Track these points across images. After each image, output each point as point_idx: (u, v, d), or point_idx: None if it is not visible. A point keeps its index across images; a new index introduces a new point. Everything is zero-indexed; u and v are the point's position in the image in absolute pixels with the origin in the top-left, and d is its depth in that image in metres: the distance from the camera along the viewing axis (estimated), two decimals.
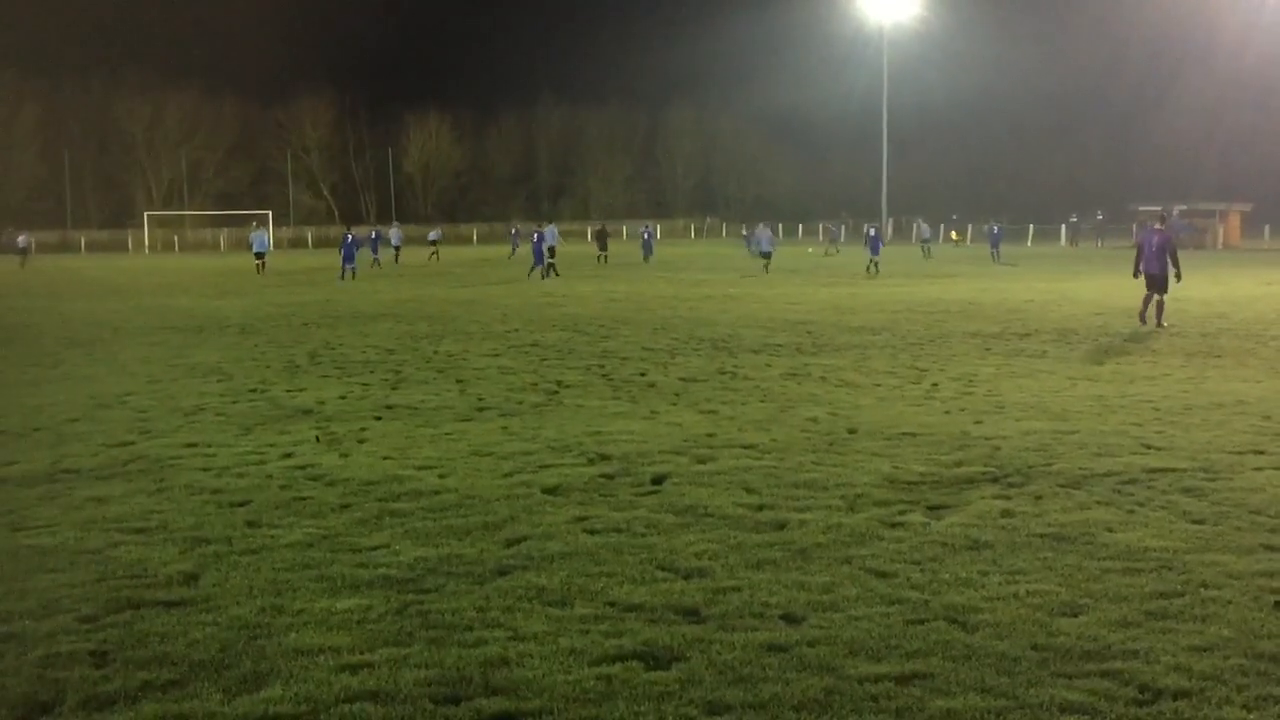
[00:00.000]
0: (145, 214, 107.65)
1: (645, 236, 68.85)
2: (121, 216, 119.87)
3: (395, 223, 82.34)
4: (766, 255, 51.55)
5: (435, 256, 72.74)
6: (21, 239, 75.51)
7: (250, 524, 8.86)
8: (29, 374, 18.21)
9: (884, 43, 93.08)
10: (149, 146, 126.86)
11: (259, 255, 55.36)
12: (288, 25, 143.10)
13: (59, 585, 7.40)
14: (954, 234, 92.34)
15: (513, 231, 79.01)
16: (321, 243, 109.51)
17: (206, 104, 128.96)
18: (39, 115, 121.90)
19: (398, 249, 66.85)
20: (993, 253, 59.01)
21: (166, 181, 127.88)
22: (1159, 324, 23.50)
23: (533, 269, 47.79)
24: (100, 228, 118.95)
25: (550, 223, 57.56)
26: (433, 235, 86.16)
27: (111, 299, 37.05)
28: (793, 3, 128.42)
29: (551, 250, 48.11)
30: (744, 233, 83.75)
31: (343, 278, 47.00)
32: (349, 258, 48.55)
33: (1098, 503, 9.25)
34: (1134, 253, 25.55)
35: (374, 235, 64.31)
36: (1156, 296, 23.81)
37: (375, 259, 60.37)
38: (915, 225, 77.29)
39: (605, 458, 11.18)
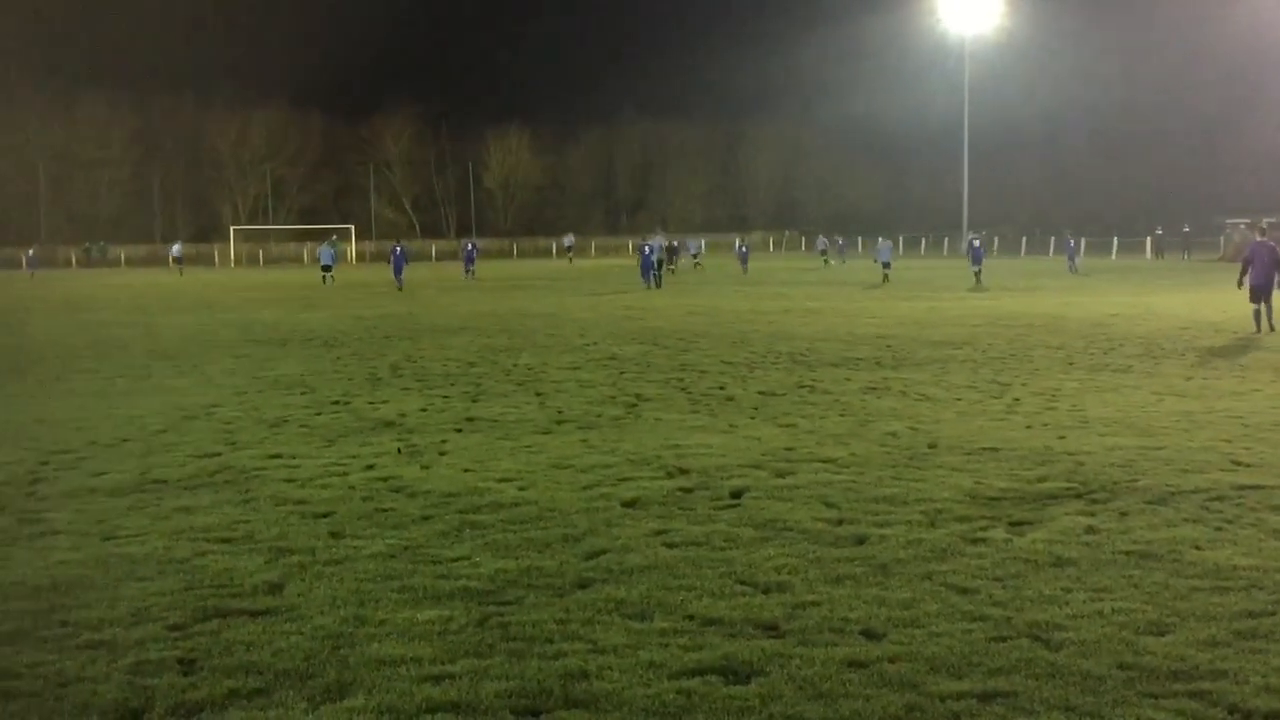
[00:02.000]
0: (231, 228, 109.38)
1: (743, 251, 70.13)
2: (208, 231, 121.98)
3: (470, 236, 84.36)
4: (886, 265, 52.66)
5: (570, 260, 75.29)
6: (175, 248, 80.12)
7: (334, 535, 8.97)
8: (119, 385, 18.57)
9: (965, 54, 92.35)
10: (236, 162, 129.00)
11: (325, 268, 58.32)
12: (372, 42, 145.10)
13: (148, 594, 7.53)
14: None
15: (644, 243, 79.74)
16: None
17: (292, 120, 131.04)
18: (131, 132, 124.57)
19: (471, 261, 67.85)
20: (1070, 264, 59.35)
21: (252, 196, 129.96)
22: (1271, 327, 24.48)
23: (647, 279, 49.58)
24: (188, 242, 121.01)
25: (657, 234, 59.47)
26: (568, 241, 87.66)
27: (198, 312, 37.67)
28: (873, 16, 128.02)
29: (659, 263, 49.35)
30: (820, 244, 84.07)
31: (400, 289, 49.69)
32: (398, 269, 51.86)
33: (1185, 520, 9.10)
34: (1235, 264, 26.36)
35: (470, 247, 66.12)
36: (1264, 305, 24.76)
37: (469, 270, 63.50)
38: (968, 241, 76.50)
39: (684, 471, 11.18)
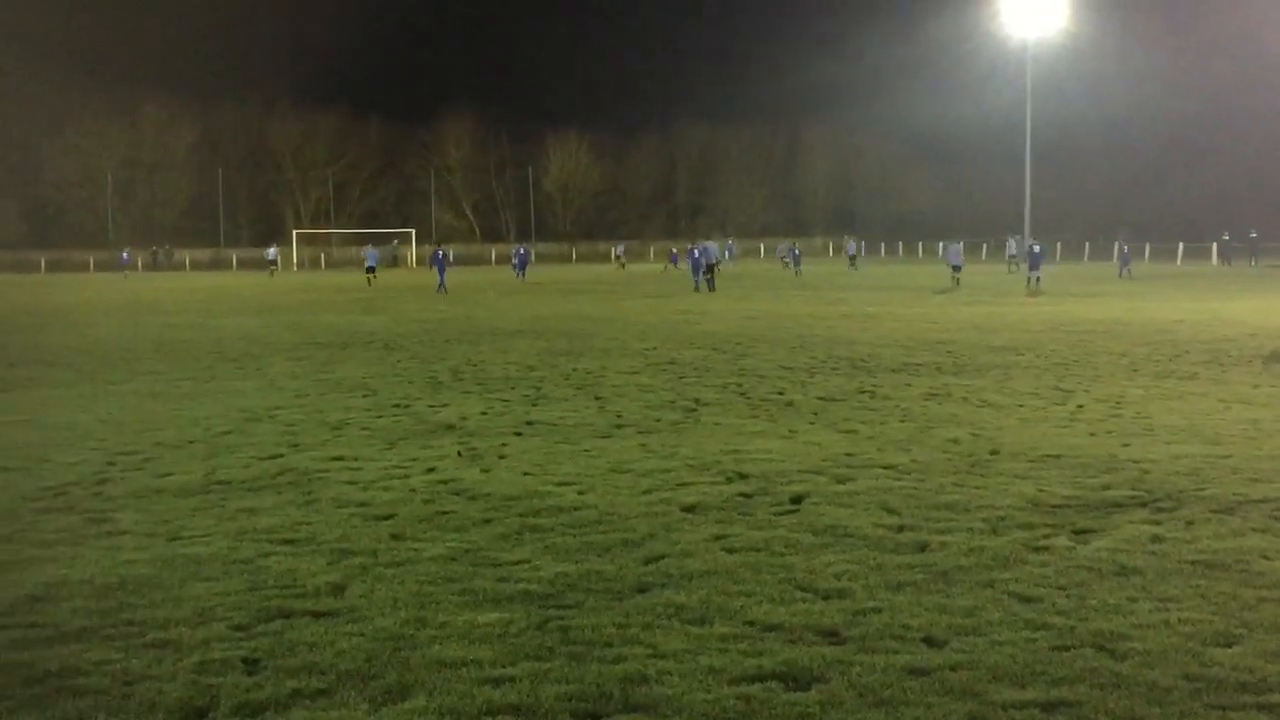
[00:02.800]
0: (294, 232, 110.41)
1: (794, 254, 71.91)
2: (271, 234, 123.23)
3: (522, 241, 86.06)
4: (957, 269, 52.81)
5: (622, 266, 77.20)
6: (270, 252, 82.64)
7: (395, 537, 9.03)
8: (184, 387, 18.79)
9: (1028, 57, 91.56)
10: (298, 166, 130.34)
11: (370, 270, 62.97)
12: (433, 47, 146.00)
13: (213, 594, 7.61)
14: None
15: (673, 250, 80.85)
16: (463, 260, 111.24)
17: (353, 125, 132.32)
18: (195, 137, 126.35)
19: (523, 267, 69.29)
20: (1121, 270, 59.24)
21: (314, 200, 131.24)
22: None
23: (697, 284, 50.52)
24: (251, 245, 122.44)
25: (711, 239, 60.55)
26: (619, 250, 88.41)
27: (261, 315, 38.06)
28: (933, 20, 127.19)
29: (711, 266, 50.15)
30: (851, 248, 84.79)
31: (440, 291, 51.36)
32: (440, 273, 53.49)
33: (1252, 529, 8.97)
34: None
35: (521, 251, 67.56)
36: None
37: (520, 273, 66.23)
38: (1013, 244, 75.87)
39: (743, 476, 11.16)
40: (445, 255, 56.07)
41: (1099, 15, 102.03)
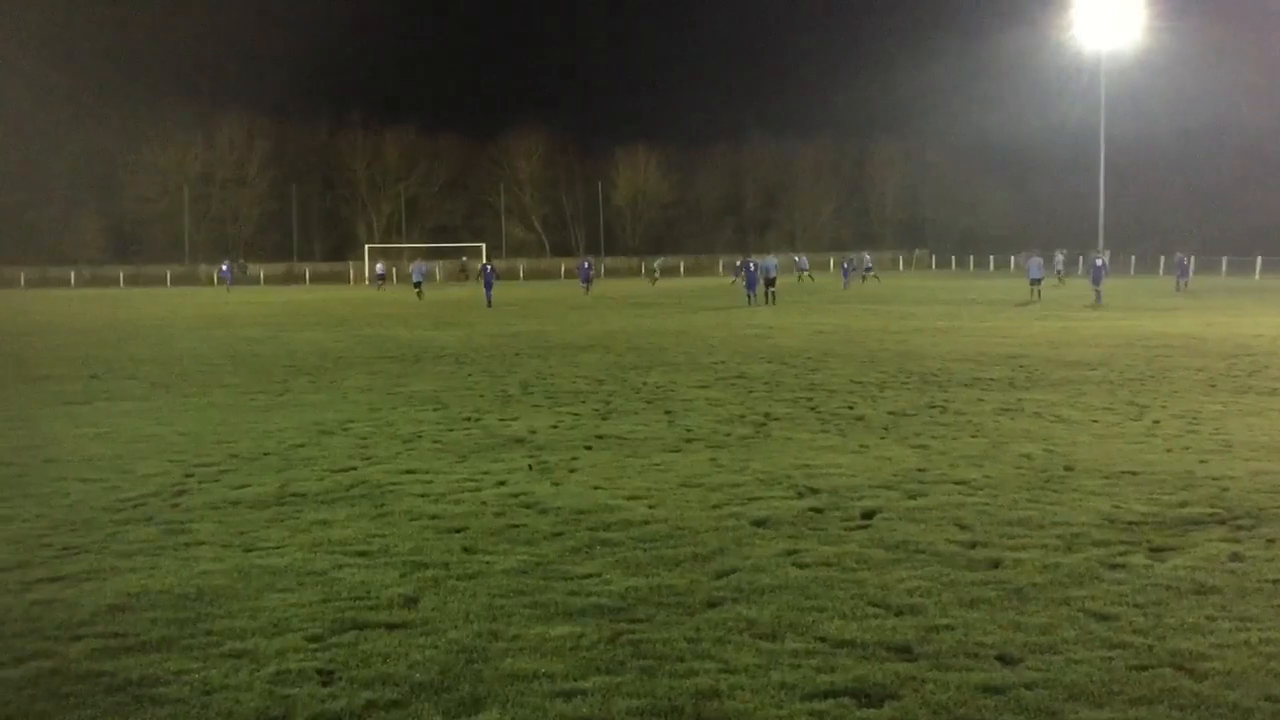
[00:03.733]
0: (366, 246, 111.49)
1: (845, 267, 73.35)
2: (343, 249, 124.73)
3: (587, 255, 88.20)
4: (1036, 281, 52.77)
5: (809, 277, 78.37)
6: (379, 268, 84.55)
7: (467, 550, 9.08)
8: (258, 401, 19.03)
9: (1101, 71, 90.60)
10: (370, 182, 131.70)
11: (417, 284, 64.88)
12: (502, 63, 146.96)
13: (288, 605, 7.70)
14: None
15: (737, 263, 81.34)
16: (532, 274, 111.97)
17: (424, 141, 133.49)
18: (268, 152, 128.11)
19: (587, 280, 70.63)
20: (1180, 283, 58.81)
21: (385, 215, 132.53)
22: None
23: (749, 298, 51.03)
24: (323, 260, 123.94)
25: (771, 254, 61.26)
26: (802, 261, 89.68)
27: (334, 329, 38.45)
28: (1003, 33, 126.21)
29: (771, 281, 50.59)
30: (867, 263, 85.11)
31: (489, 305, 52.57)
32: (487, 287, 54.62)
33: None
34: None
35: (586, 265, 68.65)
36: None
37: (587, 286, 67.71)
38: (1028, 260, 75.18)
39: (814, 491, 11.12)
40: (493, 271, 57.09)
41: (1175, 26, 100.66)
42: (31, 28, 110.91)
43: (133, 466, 12.95)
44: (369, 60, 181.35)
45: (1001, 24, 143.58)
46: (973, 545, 9.00)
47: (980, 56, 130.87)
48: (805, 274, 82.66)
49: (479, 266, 60.96)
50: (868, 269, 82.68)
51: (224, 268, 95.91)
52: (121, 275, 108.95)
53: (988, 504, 10.45)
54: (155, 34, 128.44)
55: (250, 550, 9.17)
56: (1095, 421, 15.55)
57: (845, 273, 75.03)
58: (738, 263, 74.81)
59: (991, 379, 20.65)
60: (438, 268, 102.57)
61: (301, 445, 14.36)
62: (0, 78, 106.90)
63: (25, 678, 6.44)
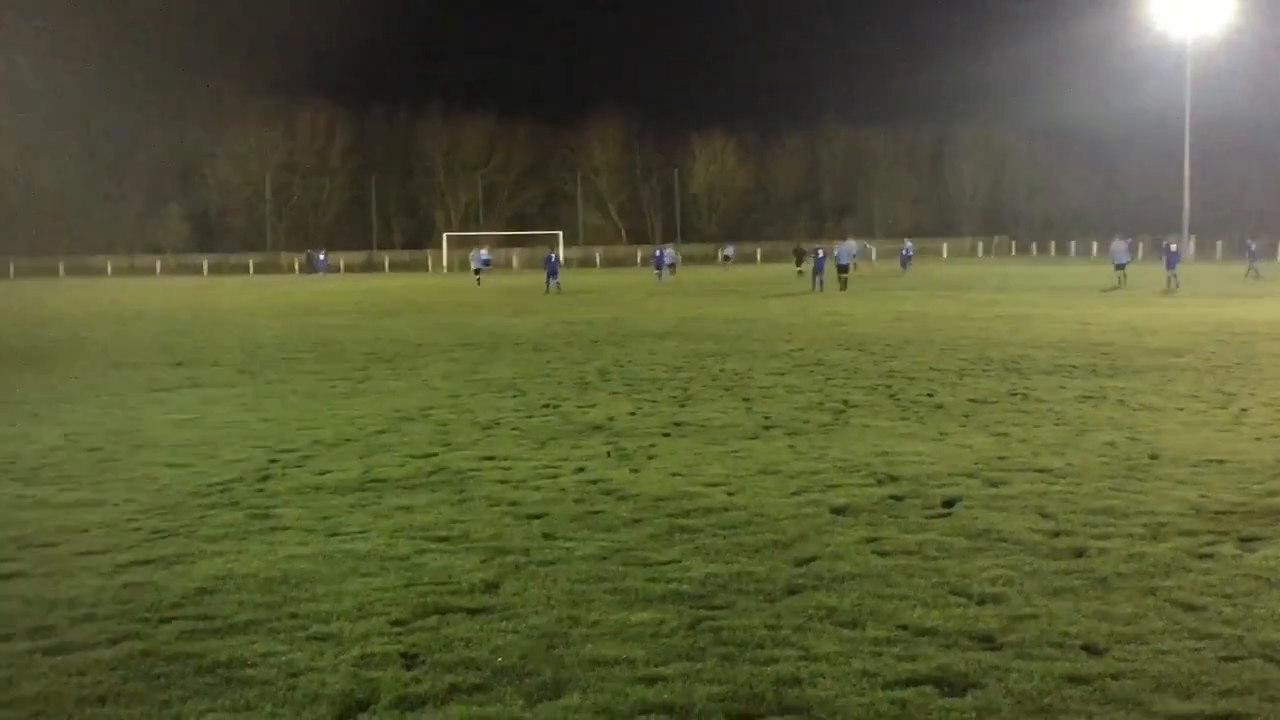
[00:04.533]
0: (444, 235, 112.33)
1: (904, 253, 73.09)
2: (422, 238, 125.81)
3: (665, 243, 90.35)
4: (1121, 267, 52.22)
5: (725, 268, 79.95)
6: (484, 253, 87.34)
7: (546, 536, 9.13)
8: (340, 387, 19.25)
9: (1187, 55, 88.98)
10: (448, 171, 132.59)
11: (477, 271, 68.64)
12: (579, 51, 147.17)
13: (371, 589, 7.79)
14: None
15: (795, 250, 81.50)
16: (608, 262, 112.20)
17: (501, 129, 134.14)
18: (348, 142, 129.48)
19: (672, 266, 72.38)
20: (1250, 269, 57.99)
21: (463, 204, 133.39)
22: None
23: (815, 284, 51.59)
24: (402, 248, 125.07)
25: (847, 240, 61.87)
26: (728, 251, 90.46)
27: (413, 316, 38.79)
28: (1084, 17, 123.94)
29: (844, 268, 50.88)
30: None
31: (547, 291, 53.67)
32: (553, 273, 55.55)
33: None
34: None
35: (658, 254, 69.68)
36: None
37: (659, 273, 68.59)
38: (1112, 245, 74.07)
39: (894, 479, 11.06)
40: (556, 259, 58.57)
41: (1261, 8, 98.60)
42: (114, 22, 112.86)
43: (218, 452, 13.16)
44: (448, 49, 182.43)
45: (1082, 6, 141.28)
46: (1056, 534, 8.90)
47: (1061, 40, 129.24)
48: (861, 260, 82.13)
49: (546, 254, 62.64)
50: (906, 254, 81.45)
51: (321, 257, 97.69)
52: (205, 264, 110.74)
53: (1071, 492, 10.33)
54: (237, 25, 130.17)
55: (334, 535, 9.28)
56: (1181, 409, 15.31)
57: (904, 258, 74.80)
58: (795, 250, 75.12)
59: (1074, 366, 20.39)
60: (516, 255, 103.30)
61: (382, 431, 14.51)
62: (85, 72, 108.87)
63: (117, 658, 6.57)
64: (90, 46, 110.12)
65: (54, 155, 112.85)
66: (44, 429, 15.21)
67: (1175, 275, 47.72)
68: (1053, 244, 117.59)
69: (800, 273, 64.97)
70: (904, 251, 76.59)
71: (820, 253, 53.89)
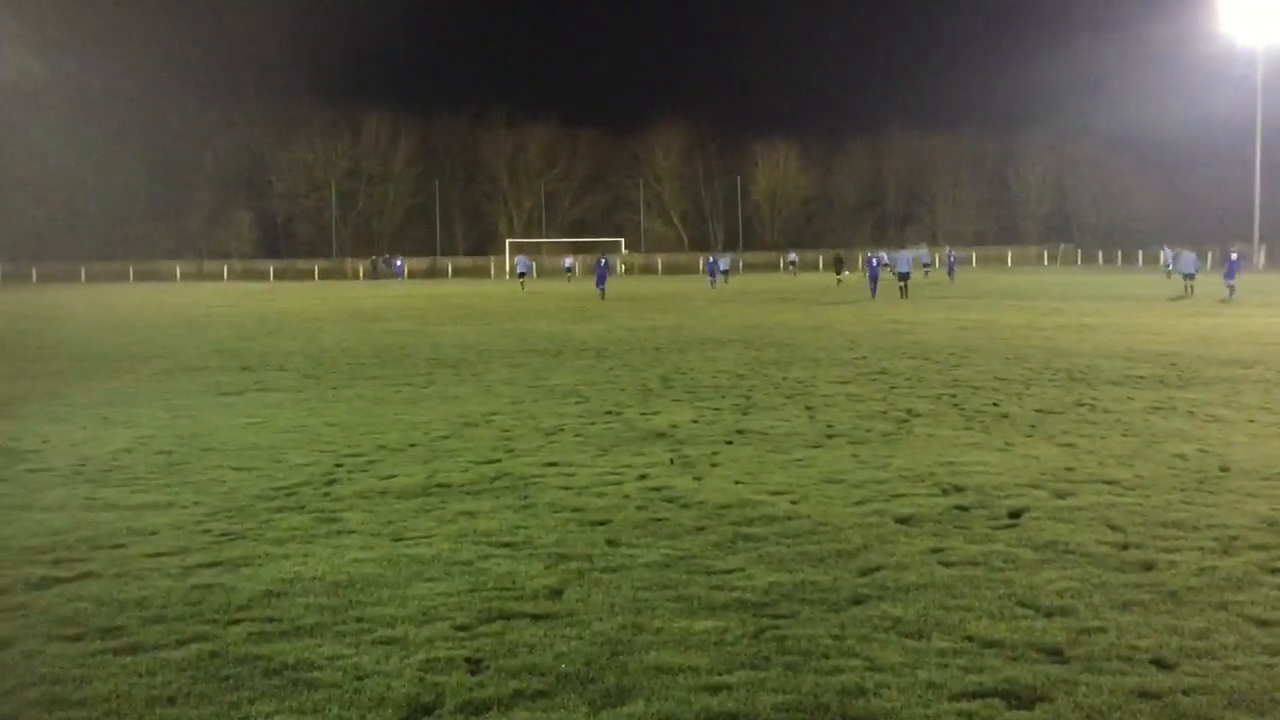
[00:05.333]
0: (506, 241, 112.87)
1: (951, 260, 73.50)
2: (485, 243, 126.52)
3: (725, 251, 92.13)
4: (1190, 276, 52.02)
5: (794, 275, 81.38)
6: (568, 261, 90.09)
7: (610, 542, 9.14)
8: (404, 392, 19.38)
9: (1259, 61, 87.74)
10: (511, 177, 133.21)
11: (520, 275, 72.47)
12: (641, 58, 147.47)
13: (436, 594, 7.83)
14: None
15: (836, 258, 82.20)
16: (671, 269, 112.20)
17: (564, 136, 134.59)
18: (413, 149, 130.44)
19: (726, 273, 73.93)
20: None
21: (526, 210, 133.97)
22: None
23: (873, 292, 51.79)
24: (465, 254, 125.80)
25: (904, 248, 61.98)
26: (792, 257, 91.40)
27: (476, 322, 38.98)
28: (1152, 22, 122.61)
29: (905, 275, 50.91)
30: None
31: (603, 297, 54.64)
32: (601, 279, 56.99)
33: None
34: None
35: (712, 261, 71.47)
36: None
37: (712, 280, 70.84)
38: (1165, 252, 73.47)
39: (959, 489, 10.97)
40: (607, 264, 60.09)
41: None
42: (182, 30, 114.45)
43: (285, 456, 13.29)
44: (511, 56, 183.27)
45: (1150, 12, 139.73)
46: (1125, 546, 8.79)
47: (1128, 46, 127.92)
48: (927, 267, 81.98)
49: (596, 259, 64.64)
50: (925, 263, 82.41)
51: (398, 262, 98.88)
52: (271, 269, 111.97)
53: (1140, 504, 10.20)
54: (302, 33, 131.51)
55: (399, 539, 9.34)
56: (1252, 421, 15.08)
57: (950, 266, 74.70)
58: (834, 258, 75.40)
59: (1141, 377, 20.14)
60: (578, 261, 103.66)
61: (446, 437, 14.59)
62: (153, 79, 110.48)
63: (187, 659, 6.65)
64: (160, 54, 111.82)
65: (124, 162, 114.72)
66: (114, 432, 15.43)
67: (1233, 285, 47.40)
68: (1119, 253, 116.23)
69: (840, 281, 65.28)
70: (950, 259, 76.31)
71: (876, 260, 53.92)
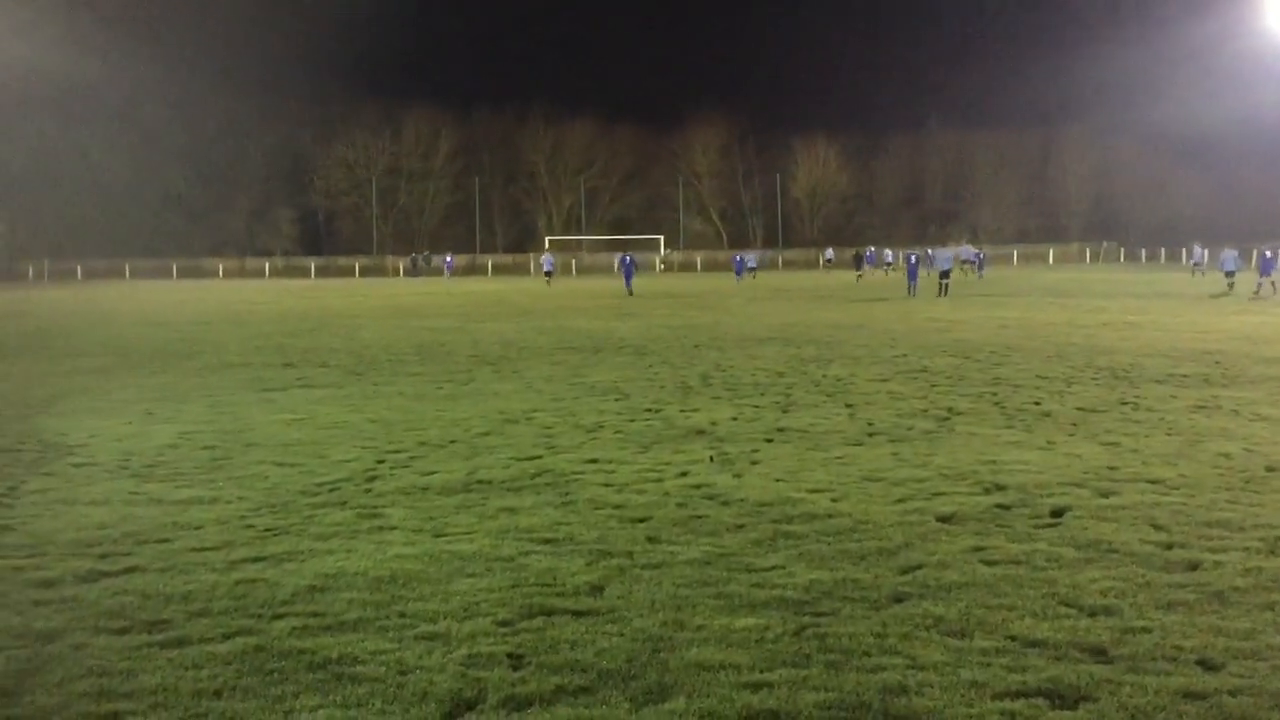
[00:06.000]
0: (546, 238, 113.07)
1: (978, 257, 73.48)
2: (524, 240, 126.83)
3: (762, 249, 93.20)
4: (1230, 274, 51.81)
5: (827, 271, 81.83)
6: (626, 258, 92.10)
7: (650, 539, 9.16)
8: (444, 389, 19.46)
9: None
10: (550, 175, 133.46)
11: (548, 273, 74.63)
12: (681, 55, 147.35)
13: (478, 589, 7.87)
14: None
15: (862, 254, 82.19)
16: (710, 266, 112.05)
17: (603, 134, 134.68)
18: (453, 146, 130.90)
19: (754, 270, 75.58)
20: None
21: (566, 207, 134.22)
22: None
23: (910, 289, 51.72)
24: (504, 251, 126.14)
25: (947, 245, 61.85)
26: (829, 254, 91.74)
27: (516, 319, 39.08)
28: (1196, 17, 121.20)
29: (946, 272, 50.70)
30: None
31: (630, 293, 55.82)
32: (628, 277, 58.41)
33: None
34: None
35: (738, 259, 72.87)
36: None
37: (739, 276, 71.89)
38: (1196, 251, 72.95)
39: (1000, 487, 10.92)
40: (632, 261, 61.94)
41: None
42: (224, 28, 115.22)
43: (327, 452, 13.38)
44: (551, 54, 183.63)
45: (1194, 6, 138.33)
46: (1169, 546, 8.73)
47: (1171, 41, 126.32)
48: (967, 265, 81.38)
49: (621, 256, 66.19)
50: (887, 262, 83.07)
51: (448, 259, 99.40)
52: (313, 266, 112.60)
53: (1184, 504, 10.13)
54: (344, 32, 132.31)
55: (440, 535, 9.39)
56: None
57: (979, 263, 73.58)
58: (863, 253, 75.28)
59: (1185, 375, 19.98)
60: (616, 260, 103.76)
61: (487, 433, 14.64)
62: (196, 79, 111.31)
63: (232, 653, 6.71)
64: (203, 53, 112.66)
65: (168, 160, 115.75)
66: (159, 427, 15.58)
67: (1268, 282, 47.34)
68: (1163, 250, 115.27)
69: (859, 278, 65.46)
70: (976, 256, 75.56)
71: (914, 258, 53.89)
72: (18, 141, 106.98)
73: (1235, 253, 54.23)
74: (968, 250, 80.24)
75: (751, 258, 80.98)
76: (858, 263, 73.67)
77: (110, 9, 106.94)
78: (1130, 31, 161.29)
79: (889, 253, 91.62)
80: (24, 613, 7.49)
